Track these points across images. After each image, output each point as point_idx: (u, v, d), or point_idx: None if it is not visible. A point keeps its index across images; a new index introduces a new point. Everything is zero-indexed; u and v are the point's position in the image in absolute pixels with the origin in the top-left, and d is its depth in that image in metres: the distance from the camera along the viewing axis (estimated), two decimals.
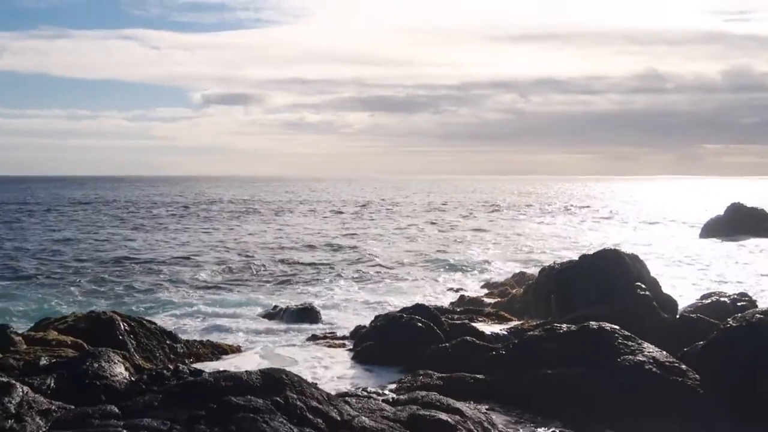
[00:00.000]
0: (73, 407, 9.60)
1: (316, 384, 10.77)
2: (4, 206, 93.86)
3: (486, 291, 27.14)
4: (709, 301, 18.79)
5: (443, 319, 17.96)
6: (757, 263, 34.80)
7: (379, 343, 16.78)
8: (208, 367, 14.42)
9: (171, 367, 11.62)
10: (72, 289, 28.36)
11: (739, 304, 17.96)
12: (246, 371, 10.16)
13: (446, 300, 25.53)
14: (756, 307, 17.12)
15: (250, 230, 58.00)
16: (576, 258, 21.17)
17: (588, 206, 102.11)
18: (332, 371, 15.79)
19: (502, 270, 33.95)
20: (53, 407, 9.59)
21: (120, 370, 11.41)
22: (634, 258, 19.76)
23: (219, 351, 17.29)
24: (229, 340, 18.98)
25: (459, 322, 18.24)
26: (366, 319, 20.27)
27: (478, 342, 15.96)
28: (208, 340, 18.00)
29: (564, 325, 14.74)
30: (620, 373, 12.77)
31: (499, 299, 23.83)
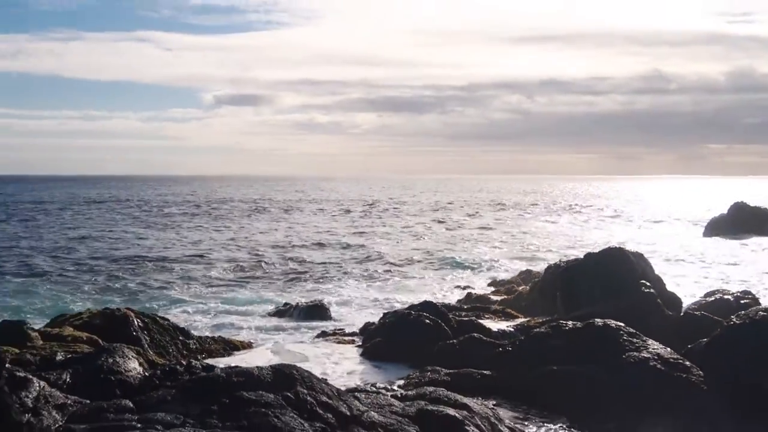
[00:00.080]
0: (88, 402, 9.68)
1: (326, 379, 10.76)
2: (21, 205, 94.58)
3: (493, 289, 27.18)
4: (713, 298, 18.82)
5: (451, 316, 18.05)
6: (759, 261, 34.91)
7: (388, 339, 16.89)
8: (220, 362, 14.41)
9: (184, 362, 11.67)
10: (86, 286, 28.66)
11: (742, 301, 17.98)
12: (257, 367, 10.17)
13: (453, 297, 25.63)
14: (759, 304, 17.11)
15: (260, 228, 58.21)
16: (581, 256, 21.28)
17: (592, 205, 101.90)
18: (342, 367, 15.94)
19: (509, 268, 34.08)
20: (69, 401, 9.66)
21: (134, 366, 11.51)
22: (639, 256, 19.83)
23: (230, 347, 17.45)
24: (240, 336, 19.15)
25: (466, 319, 18.36)
26: (375, 316, 20.39)
27: (485, 339, 16.05)
28: (219, 337, 18.16)
29: (570, 322, 14.81)
30: (625, 370, 12.87)
31: (505, 297, 23.87)
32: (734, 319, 13.57)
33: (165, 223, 63.17)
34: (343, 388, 11.14)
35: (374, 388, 12.63)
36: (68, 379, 10.88)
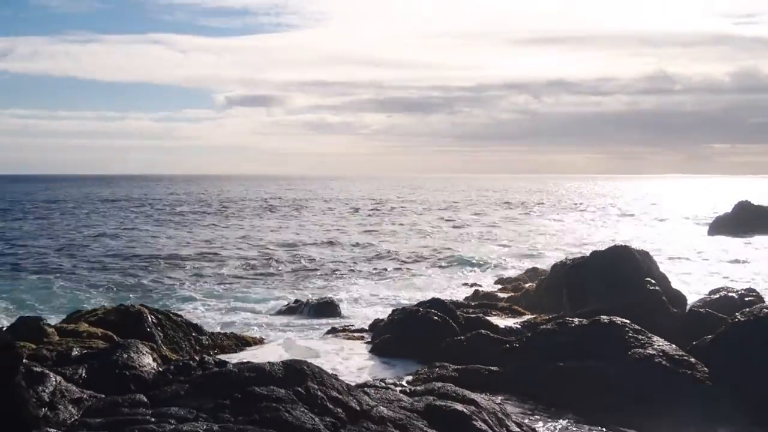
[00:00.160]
0: (103, 396, 9.83)
1: (336, 375, 10.84)
2: (38, 204, 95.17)
3: (500, 286, 27.20)
4: (718, 296, 18.89)
5: (458, 313, 18.12)
6: (763, 260, 34.84)
7: (397, 336, 16.98)
8: (233, 358, 14.65)
9: (197, 358, 11.88)
10: (101, 283, 28.89)
11: (746, 299, 18.04)
12: (269, 362, 10.24)
13: (461, 295, 25.67)
14: (763, 302, 17.26)
15: (271, 227, 58.35)
16: (587, 254, 21.28)
17: (598, 204, 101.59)
18: (351, 363, 16.05)
19: (515, 266, 34.17)
20: (85, 396, 9.86)
21: (148, 361, 11.71)
22: (644, 254, 19.79)
23: (242, 343, 17.59)
24: (251, 332, 19.28)
25: (474, 316, 18.40)
26: (383, 313, 20.50)
27: (492, 335, 16.15)
28: (231, 333, 18.29)
29: (576, 319, 14.88)
30: (631, 366, 12.94)
31: (512, 294, 23.89)
32: (739, 317, 13.62)
33: (177, 222, 63.48)
34: (352, 384, 11.24)
35: (383, 384, 12.63)
36: (84, 374, 11.10)
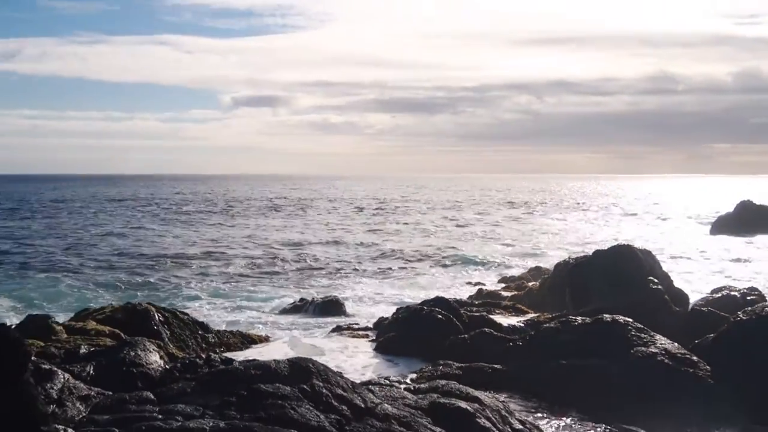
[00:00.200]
0: (111, 393, 9.91)
1: (340, 373, 10.88)
2: (46, 203, 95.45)
3: (503, 285, 27.15)
4: (720, 295, 18.89)
5: (462, 311, 18.15)
6: (765, 259, 34.93)
7: (401, 334, 17.00)
8: (238, 356, 14.63)
9: (203, 355, 11.99)
10: (108, 281, 29.03)
11: (748, 298, 18.07)
12: (274, 360, 10.31)
13: (465, 293, 25.68)
14: (765, 301, 17.27)
15: (276, 226, 58.44)
16: (590, 253, 21.29)
17: (601, 203, 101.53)
18: (356, 361, 16.08)
19: (519, 264, 34.23)
20: (92, 393, 9.93)
21: (155, 359, 11.81)
22: (647, 253, 19.81)
23: (248, 341, 17.64)
24: (257, 330, 19.36)
25: (477, 314, 18.45)
26: (388, 312, 20.52)
27: (495, 333, 16.17)
28: (237, 331, 18.34)
29: (579, 318, 14.93)
30: (633, 365, 12.99)
31: (515, 293, 23.83)
32: (741, 315, 13.71)
33: (184, 221, 63.67)
34: (357, 381, 11.26)
35: (388, 382, 12.76)
36: (92, 372, 11.18)
